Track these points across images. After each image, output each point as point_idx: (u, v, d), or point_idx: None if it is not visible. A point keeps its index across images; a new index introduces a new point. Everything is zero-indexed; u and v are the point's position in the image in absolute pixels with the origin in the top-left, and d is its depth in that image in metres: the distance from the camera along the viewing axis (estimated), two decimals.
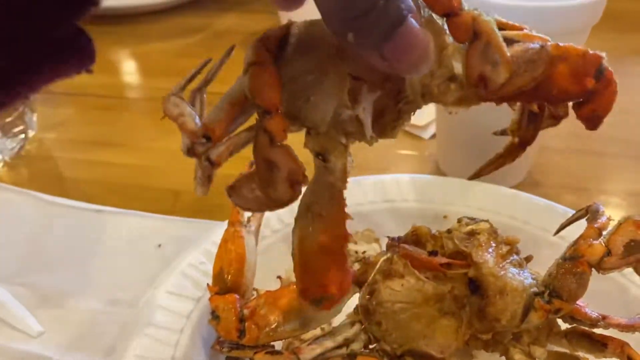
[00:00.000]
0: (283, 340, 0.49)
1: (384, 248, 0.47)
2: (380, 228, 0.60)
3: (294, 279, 0.53)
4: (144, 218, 0.68)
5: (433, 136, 0.82)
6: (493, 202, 0.62)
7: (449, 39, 0.32)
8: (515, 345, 0.46)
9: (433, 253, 0.45)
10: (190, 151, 0.36)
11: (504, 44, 0.30)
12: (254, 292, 0.52)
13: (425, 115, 0.84)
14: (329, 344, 0.45)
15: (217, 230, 0.58)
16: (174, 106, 0.36)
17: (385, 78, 0.34)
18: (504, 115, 0.65)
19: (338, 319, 0.48)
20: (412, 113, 0.35)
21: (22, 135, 0.83)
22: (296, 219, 0.35)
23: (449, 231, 0.47)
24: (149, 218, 0.68)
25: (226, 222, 0.60)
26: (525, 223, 0.59)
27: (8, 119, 0.79)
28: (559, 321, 0.47)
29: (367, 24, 0.28)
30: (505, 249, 0.45)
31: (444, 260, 0.44)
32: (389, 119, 0.35)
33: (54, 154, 0.84)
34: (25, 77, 0.27)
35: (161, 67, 1.06)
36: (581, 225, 0.47)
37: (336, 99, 0.33)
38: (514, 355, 0.46)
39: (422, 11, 0.31)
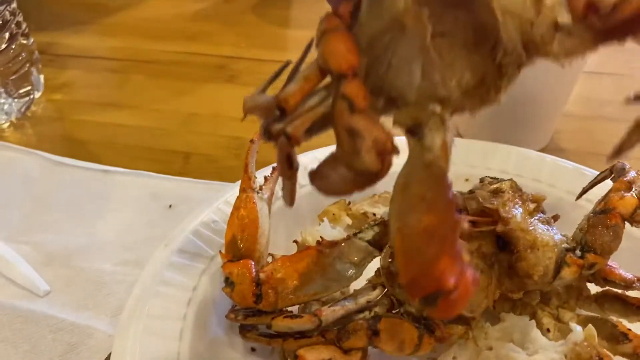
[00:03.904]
0: (298, 306, 0.47)
1: None
2: None
3: (310, 242, 0.51)
4: (154, 179, 0.66)
5: None
6: (516, 165, 0.59)
7: None
8: (544, 309, 0.44)
9: (458, 211, 0.43)
10: (266, 132, 0.32)
11: None
12: (270, 258, 0.49)
13: None
14: (351, 306, 0.43)
15: (230, 190, 0.56)
16: (251, 100, 0.32)
17: (474, 28, 0.30)
18: (527, 77, 0.63)
19: (358, 284, 0.46)
20: (517, 68, 0.30)
21: (28, 97, 0.81)
22: (391, 202, 0.30)
23: (471, 192, 0.45)
24: (159, 179, 0.66)
25: (236, 183, 0.58)
26: (551, 186, 0.57)
27: (12, 77, 0.77)
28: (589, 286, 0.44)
29: None
30: (532, 206, 0.43)
31: (469, 217, 0.42)
32: (491, 80, 0.31)
33: (60, 115, 0.82)
34: None
35: (171, 31, 1.03)
36: (607, 189, 0.45)
37: (421, 59, 0.29)
38: (542, 319, 0.44)
39: None
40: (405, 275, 0.28)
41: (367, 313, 0.43)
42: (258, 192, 0.50)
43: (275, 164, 0.54)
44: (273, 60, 0.94)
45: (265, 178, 0.53)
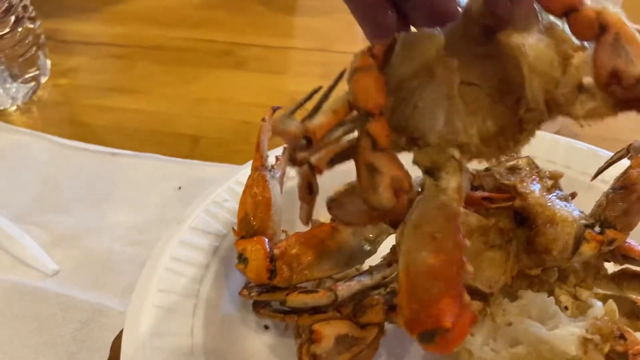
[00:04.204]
0: (311, 283, 0.46)
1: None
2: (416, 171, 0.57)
3: (323, 219, 0.51)
4: (163, 161, 0.66)
5: None
6: (530, 146, 0.59)
7: (573, 52, 0.30)
8: (561, 286, 0.43)
9: (475, 188, 0.42)
10: (291, 159, 0.34)
11: (636, 34, 0.27)
12: (283, 235, 0.49)
13: None
14: (367, 282, 0.42)
15: (239, 171, 0.55)
16: (279, 122, 0.33)
17: (500, 80, 0.31)
18: None
19: (373, 261, 0.45)
20: (537, 125, 0.31)
21: (35, 82, 0.80)
22: (403, 238, 0.31)
23: (487, 169, 0.44)
24: (168, 161, 0.66)
25: (247, 164, 0.57)
26: (565, 167, 0.56)
27: (19, 60, 0.76)
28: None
29: None
30: (549, 182, 0.43)
31: (486, 194, 0.42)
32: (510, 132, 0.32)
33: (67, 100, 0.81)
34: None
35: (177, 18, 1.02)
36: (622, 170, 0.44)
37: (446, 105, 0.31)
38: (559, 296, 0.43)
39: (540, 17, 0.30)
40: (406, 311, 0.29)
41: (382, 289, 0.43)
42: (270, 171, 0.50)
43: (285, 145, 0.53)
44: (279, 46, 0.93)
45: (277, 158, 0.52)
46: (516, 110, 0.31)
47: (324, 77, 0.85)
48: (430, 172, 0.32)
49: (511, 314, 0.42)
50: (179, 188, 0.62)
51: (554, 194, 0.41)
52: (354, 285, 0.41)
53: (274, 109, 0.53)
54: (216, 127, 0.74)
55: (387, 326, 0.42)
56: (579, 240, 0.40)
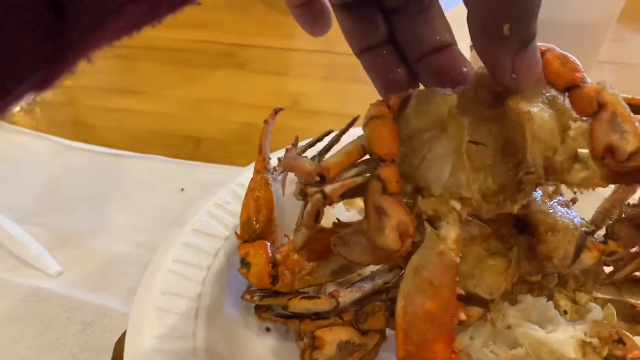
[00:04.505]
0: (313, 287, 0.47)
1: None
2: None
3: (326, 224, 0.51)
4: (165, 163, 0.66)
5: None
6: None
7: (572, 123, 0.33)
8: (561, 291, 0.44)
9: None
10: (302, 192, 0.37)
11: (631, 114, 0.30)
12: (285, 239, 0.49)
13: None
14: (369, 288, 0.42)
15: (242, 174, 0.56)
16: (292, 159, 0.36)
17: (505, 143, 0.33)
18: None
19: (375, 266, 0.45)
20: (534, 186, 0.34)
21: None
22: (403, 280, 0.32)
23: None
24: (171, 163, 0.66)
25: (249, 166, 0.57)
26: None
27: None
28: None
29: (524, 18, 0.28)
30: (551, 188, 0.43)
31: None
32: (509, 191, 0.34)
33: (70, 101, 0.82)
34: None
35: (179, 19, 1.02)
36: None
37: (453, 159, 0.33)
38: (559, 301, 0.43)
39: (545, 89, 0.32)
40: (400, 351, 0.31)
41: (384, 295, 0.43)
42: (272, 174, 0.50)
43: (288, 147, 0.54)
44: (282, 48, 0.94)
45: (279, 159, 0.53)
46: (516, 172, 0.33)
47: (326, 78, 0.85)
48: (432, 221, 0.33)
49: (511, 317, 0.42)
50: (182, 190, 0.63)
51: (555, 200, 0.41)
52: (355, 292, 0.41)
53: (276, 111, 0.54)
54: (218, 128, 0.74)
55: (389, 332, 0.42)
56: (580, 249, 0.40)
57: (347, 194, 0.37)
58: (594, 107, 0.30)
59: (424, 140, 0.33)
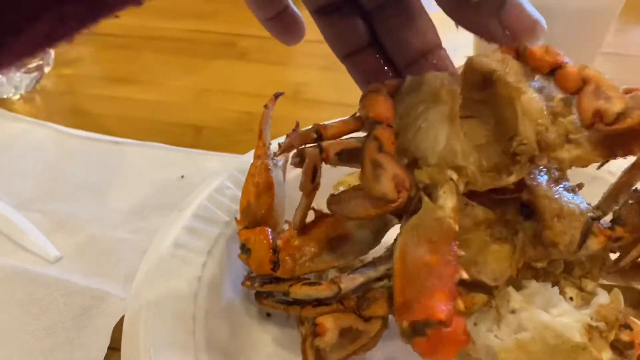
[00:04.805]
0: (315, 273, 0.46)
1: None
2: None
3: (327, 210, 0.50)
4: (166, 150, 0.66)
5: None
6: None
7: (560, 104, 0.35)
8: (567, 278, 0.43)
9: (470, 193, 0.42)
10: (300, 154, 0.40)
11: (614, 85, 0.32)
12: (286, 225, 0.49)
13: (459, 59, 0.80)
14: (371, 274, 0.42)
15: (242, 160, 0.55)
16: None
17: (496, 123, 0.35)
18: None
19: (377, 252, 0.45)
20: (529, 161, 0.35)
21: (38, 72, 0.80)
22: (400, 235, 0.32)
23: None
24: (171, 150, 0.66)
25: (250, 153, 0.57)
26: None
27: None
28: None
29: None
30: (557, 173, 0.42)
31: None
32: (504, 164, 0.35)
33: (71, 89, 0.81)
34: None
35: (180, 9, 1.02)
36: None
37: (447, 127, 0.34)
38: (564, 288, 0.43)
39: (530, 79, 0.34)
40: (399, 296, 0.29)
41: (386, 281, 0.42)
42: (273, 159, 0.50)
43: (289, 133, 0.53)
44: None
45: (280, 145, 0.52)
46: (510, 145, 0.34)
47: (326, 68, 0.85)
48: (428, 191, 0.33)
49: (515, 302, 0.42)
50: (182, 177, 0.62)
51: (561, 186, 0.41)
52: (357, 278, 0.41)
53: (276, 95, 0.53)
54: (219, 117, 0.74)
55: (392, 319, 0.41)
56: (586, 234, 0.39)
57: (344, 156, 0.38)
58: (579, 83, 0.31)
59: (418, 112, 0.34)
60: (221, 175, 0.53)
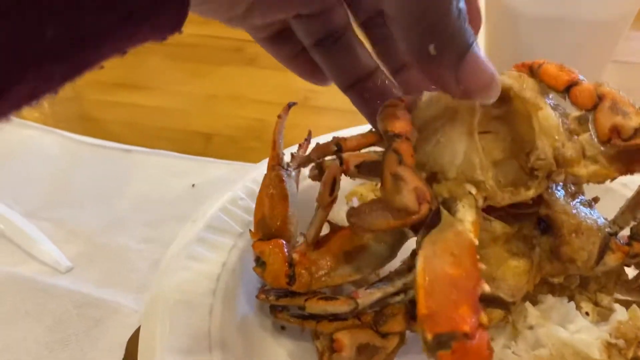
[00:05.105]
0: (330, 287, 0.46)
1: None
2: None
3: (342, 222, 0.50)
4: (176, 158, 0.66)
5: None
6: None
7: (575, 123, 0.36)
8: (582, 292, 0.43)
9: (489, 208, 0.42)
10: (318, 166, 0.41)
11: (629, 101, 0.32)
12: (301, 238, 0.48)
13: None
14: (388, 289, 0.41)
15: (255, 170, 0.55)
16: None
17: (513, 139, 0.35)
18: (557, 57, 0.62)
19: (393, 265, 0.44)
20: (547, 177, 0.35)
21: None
22: (420, 249, 0.31)
23: None
24: (181, 158, 0.66)
25: (261, 162, 0.57)
26: None
27: None
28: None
29: (445, 35, 0.28)
30: (573, 188, 0.42)
31: None
32: (523, 179, 0.35)
33: (78, 95, 0.81)
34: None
35: (191, 15, 1.01)
36: None
37: (466, 141, 0.34)
38: (580, 302, 0.43)
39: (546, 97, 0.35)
40: (422, 308, 0.28)
41: (403, 296, 0.42)
42: (287, 170, 0.49)
43: (301, 142, 0.53)
44: None
45: (292, 155, 0.52)
46: (528, 160, 0.34)
47: None
48: (447, 205, 0.33)
49: (532, 317, 0.42)
50: (193, 186, 0.62)
51: (578, 200, 0.41)
52: (374, 293, 0.40)
53: (290, 105, 0.53)
54: (228, 124, 0.73)
55: (409, 334, 0.41)
56: (603, 250, 0.39)
57: (363, 169, 0.37)
58: (595, 99, 0.32)
59: (436, 127, 0.34)
60: (234, 186, 0.53)
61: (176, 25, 0.24)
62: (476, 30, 0.35)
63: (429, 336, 0.27)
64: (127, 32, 0.22)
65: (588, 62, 0.64)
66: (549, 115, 0.35)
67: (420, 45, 0.28)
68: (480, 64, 0.29)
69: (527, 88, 0.35)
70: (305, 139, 0.53)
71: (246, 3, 0.32)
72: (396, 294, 0.42)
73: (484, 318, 0.28)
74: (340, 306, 0.40)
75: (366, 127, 0.44)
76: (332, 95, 0.82)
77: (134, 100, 0.79)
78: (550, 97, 0.35)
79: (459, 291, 0.28)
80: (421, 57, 0.29)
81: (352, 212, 0.37)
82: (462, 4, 0.28)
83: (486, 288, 0.29)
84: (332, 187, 0.40)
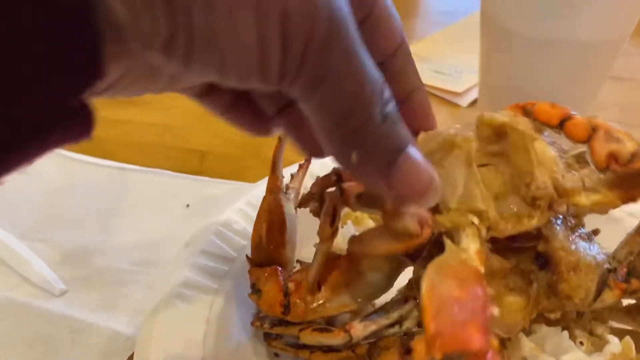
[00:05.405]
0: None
1: None
2: None
3: (340, 250, 0.50)
4: (171, 177, 0.65)
5: (472, 103, 0.79)
6: None
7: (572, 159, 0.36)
8: (577, 321, 0.43)
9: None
10: (320, 197, 0.40)
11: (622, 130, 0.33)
12: (297, 265, 0.48)
13: (463, 82, 0.80)
14: (383, 321, 0.41)
15: (250, 191, 0.55)
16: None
17: (512, 174, 0.35)
18: (554, 78, 0.62)
19: (390, 294, 0.44)
20: (549, 208, 0.35)
21: None
22: (424, 275, 0.30)
23: None
24: (176, 177, 0.65)
25: (257, 183, 0.57)
26: None
27: None
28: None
29: (367, 144, 0.26)
30: (573, 220, 0.42)
31: None
32: (525, 210, 0.35)
33: None
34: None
35: None
36: None
37: (465, 172, 0.34)
38: (574, 331, 0.42)
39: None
40: (430, 328, 0.27)
41: (397, 327, 0.42)
42: (286, 193, 0.49)
43: (301, 162, 0.52)
44: None
45: (292, 176, 0.51)
46: (529, 191, 0.34)
47: None
48: (450, 235, 0.33)
49: (526, 348, 0.41)
50: (187, 206, 0.62)
51: (577, 234, 0.40)
52: (369, 326, 0.40)
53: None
54: (224, 142, 0.73)
55: None
56: (601, 288, 0.39)
57: (364, 199, 0.37)
58: (589, 131, 0.33)
59: (435, 160, 0.34)
60: (229, 208, 0.53)
61: (86, 131, 0.23)
62: (429, 127, 0.36)
63: (438, 356, 0.27)
64: (31, 146, 0.22)
65: (585, 82, 0.64)
66: (546, 148, 0.35)
67: (342, 152, 0.27)
68: (415, 169, 0.28)
69: (521, 122, 0.36)
70: (306, 159, 0.52)
71: (167, 78, 0.29)
72: (391, 325, 0.41)
73: (494, 342, 0.28)
74: (334, 339, 0.40)
75: None
76: None
77: (129, 116, 0.78)
78: (546, 134, 0.36)
79: (466, 312, 0.28)
80: (345, 164, 0.27)
81: (354, 240, 0.37)
82: (389, 108, 0.26)
83: (495, 311, 0.29)
84: (333, 218, 0.40)
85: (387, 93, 0.26)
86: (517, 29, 0.59)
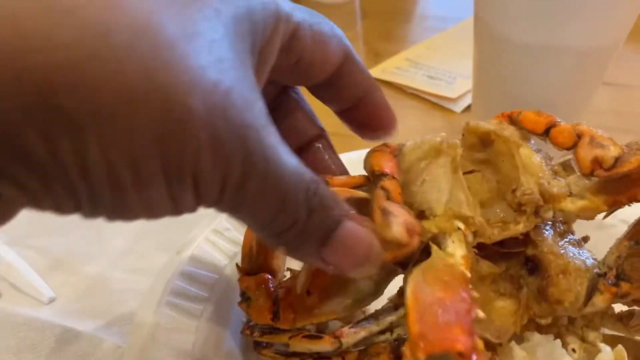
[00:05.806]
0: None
1: None
2: None
3: None
4: None
5: (466, 109, 0.78)
6: None
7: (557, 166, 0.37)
8: (569, 328, 0.43)
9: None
10: None
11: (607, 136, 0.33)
12: (287, 273, 0.48)
13: (457, 87, 0.80)
14: (374, 328, 0.41)
15: None
16: None
17: (498, 181, 0.36)
18: (547, 84, 0.62)
19: (380, 302, 0.44)
20: (535, 213, 0.36)
21: None
22: (410, 276, 0.31)
23: None
24: None
25: None
26: None
27: None
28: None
29: (294, 237, 0.27)
30: (562, 227, 0.42)
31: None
32: (511, 215, 0.36)
33: None
34: None
35: None
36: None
37: (451, 178, 0.34)
38: (566, 338, 0.42)
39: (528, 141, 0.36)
40: (414, 329, 0.28)
41: (388, 334, 0.42)
42: None
43: None
44: None
45: None
46: (515, 197, 0.35)
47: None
48: (437, 240, 0.33)
49: (518, 357, 0.41)
50: None
51: (566, 240, 0.40)
52: (359, 332, 0.40)
53: None
54: None
55: None
56: (591, 291, 0.39)
57: (351, 207, 0.37)
58: (574, 138, 0.33)
59: (421, 167, 0.35)
60: (220, 215, 0.52)
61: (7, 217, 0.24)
62: (389, 125, 0.37)
63: (422, 357, 0.27)
64: None
65: (579, 88, 0.64)
66: (531, 155, 0.36)
67: (273, 244, 0.28)
68: (349, 243, 0.28)
69: (507, 130, 0.36)
70: None
71: None
72: (382, 332, 0.41)
73: (480, 344, 0.28)
74: (323, 345, 0.40)
75: (357, 152, 0.44)
76: (324, 119, 0.82)
77: None
78: (532, 142, 0.36)
79: (450, 314, 0.28)
80: (281, 249, 0.28)
81: None
82: (316, 199, 0.26)
83: (480, 314, 0.29)
84: None
85: (312, 185, 0.26)
86: (511, 35, 0.59)
